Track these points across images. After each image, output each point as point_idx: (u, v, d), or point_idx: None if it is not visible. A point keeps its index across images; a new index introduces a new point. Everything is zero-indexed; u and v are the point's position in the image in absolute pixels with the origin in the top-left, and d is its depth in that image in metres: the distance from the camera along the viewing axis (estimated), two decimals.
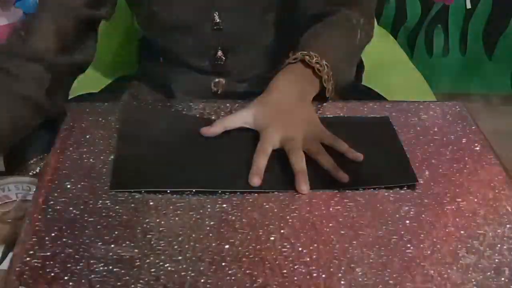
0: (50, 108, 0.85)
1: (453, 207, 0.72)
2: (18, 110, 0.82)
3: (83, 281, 0.60)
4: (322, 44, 0.90)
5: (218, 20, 0.96)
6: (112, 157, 0.78)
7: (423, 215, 0.70)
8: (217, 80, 1.03)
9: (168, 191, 0.72)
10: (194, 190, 0.72)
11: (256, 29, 0.99)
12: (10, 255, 0.67)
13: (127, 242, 0.65)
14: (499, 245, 0.67)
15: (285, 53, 1.05)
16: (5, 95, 0.81)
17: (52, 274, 0.61)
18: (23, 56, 0.84)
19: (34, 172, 1.00)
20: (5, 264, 0.71)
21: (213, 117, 0.86)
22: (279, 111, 0.81)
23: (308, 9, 0.98)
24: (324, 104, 0.90)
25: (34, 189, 0.74)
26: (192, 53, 1.00)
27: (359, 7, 0.98)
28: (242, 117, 0.82)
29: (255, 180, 0.73)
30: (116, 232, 0.67)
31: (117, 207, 0.70)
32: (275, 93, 0.83)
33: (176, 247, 0.65)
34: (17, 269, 0.62)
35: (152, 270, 0.62)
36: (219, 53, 0.99)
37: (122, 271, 0.62)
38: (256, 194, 0.72)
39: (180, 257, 0.63)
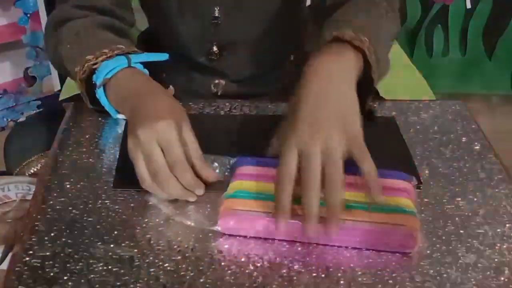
0: None
1: (453, 206, 0.72)
2: None
3: (82, 281, 0.60)
4: (352, 21, 0.80)
5: (217, 15, 0.96)
6: (112, 157, 0.78)
7: (423, 215, 0.70)
8: (217, 81, 1.03)
9: None
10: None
11: (255, 30, 0.99)
12: (10, 255, 0.67)
13: (127, 242, 0.65)
14: (498, 245, 0.67)
15: (283, 55, 1.05)
16: None
17: (52, 274, 0.61)
18: None
19: (34, 172, 1.00)
20: (5, 264, 0.71)
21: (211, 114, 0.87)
22: (302, 117, 0.67)
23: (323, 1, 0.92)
24: None
25: (34, 189, 0.74)
26: (191, 44, 1.00)
27: None
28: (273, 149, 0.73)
29: (281, 225, 0.64)
30: (115, 232, 0.67)
31: (116, 207, 0.70)
32: (308, 86, 0.70)
33: (175, 246, 0.65)
34: (17, 269, 0.62)
35: (152, 269, 0.62)
36: (214, 48, 0.99)
37: (122, 270, 0.62)
38: None
39: (179, 257, 0.63)
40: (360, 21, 0.80)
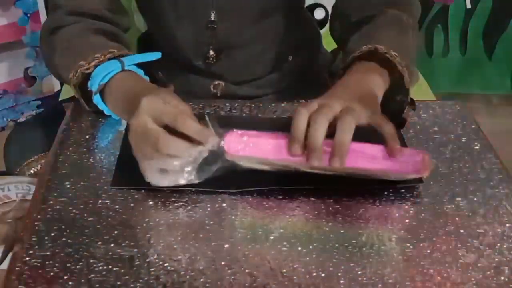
0: None
1: (453, 206, 0.72)
2: None
3: (82, 280, 0.60)
4: (382, 40, 0.83)
5: (213, 19, 0.96)
6: (112, 157, 0.78)
7: (422, 214, 0.70)
8: (216, 82, 1.03)
9: (168, 190, 0.72)
10: (193, 190, 0.72)
11: (252, 34, 0.99)
12: (10, 255, 0.67)
13: (127, 242, 0.65)
14: (498, 244, 0.67)
15: (282, 57, 1.05)
16: None
17: (52, 273, 0.61)
18: None
19: (34, 172, 1.00)
20: (5, 264, 0.71)
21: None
22: (326, 93, 0.76)
23: (350, 15, 0.93)
24: None
25: (34, 189, 0.74)
26: (188, 48, 1.00)
27: (405, 7, 0.94)
28: None
29: (294, 149, 0.69)
30: (115, 232, 0.67)
31: (116, 206, 0.70)
32: (338, 87, 0.77)
33: (175, 246, 0.65)
34: (17, 269, 0.62)
35: (152, 269, 0.62)
36: (211, 52, 0.99)
37: (122, 270, 0.62)
38: (255, 193, 0.72)
39: (179, 257, 0.63)
40: (388, 37, 0.85)
